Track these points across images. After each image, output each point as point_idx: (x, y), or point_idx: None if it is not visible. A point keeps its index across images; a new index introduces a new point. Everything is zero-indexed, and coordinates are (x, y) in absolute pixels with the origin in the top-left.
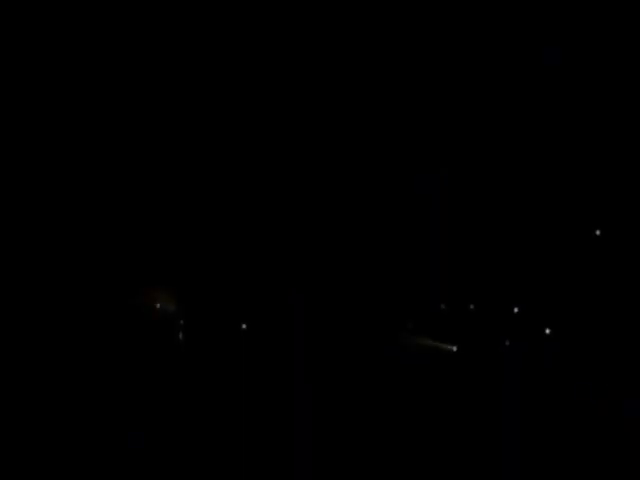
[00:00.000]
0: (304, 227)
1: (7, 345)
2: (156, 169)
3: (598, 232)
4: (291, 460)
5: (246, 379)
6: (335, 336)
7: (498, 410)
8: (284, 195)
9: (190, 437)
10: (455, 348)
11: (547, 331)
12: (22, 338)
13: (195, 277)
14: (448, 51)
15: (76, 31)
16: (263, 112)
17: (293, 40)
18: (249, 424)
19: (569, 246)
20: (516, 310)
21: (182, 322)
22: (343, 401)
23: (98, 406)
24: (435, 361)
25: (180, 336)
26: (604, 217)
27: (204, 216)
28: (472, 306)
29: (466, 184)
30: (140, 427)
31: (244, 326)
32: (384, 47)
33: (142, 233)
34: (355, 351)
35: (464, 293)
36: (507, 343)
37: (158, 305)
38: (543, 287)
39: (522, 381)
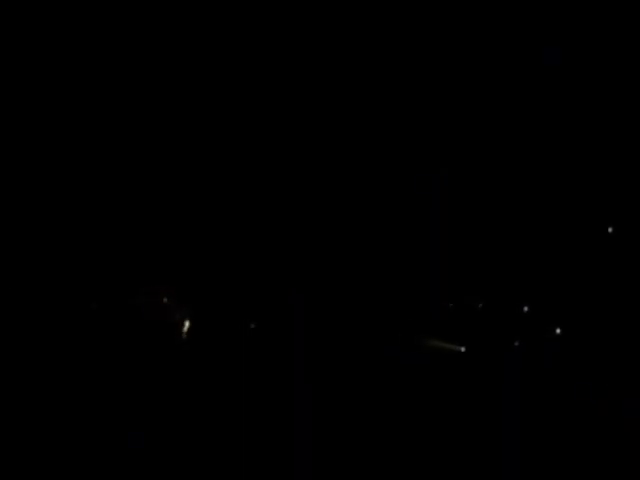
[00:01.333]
0: (304, 227)
1: (8, 344)
2: (159, 171)
3: (610, 229)
4: (291, 460)
5: (246, 379)
6: (336, 336)
7: (498, 409)
8: (284, 196)
9: (190, 436)
10: (463, 349)
11: (557, 331)
12: (23, 337)
13: (196, 277)
14: (448, 51)
15: (76, 31)
16: (263, 113)
17: (293, 40)
18: (249, 424)
19: (569, 247)
20: (521, 310)
21: (182, 322)
22: (344, 402)
23: (99, 405)
24: (442, 362)
25: (182, 336)
26: (602, 217)
27: (204, 217)
28: (480, 305)
29: (466, 184)
30: (140, 427)
31: (252, 326)
32: (384, 47)
33: (144, 234)
34: (356, 352)
35: (467, 294)
36: (516, 344)
37: (160, 305)
38: (542, 288)
39: (522, 381)
